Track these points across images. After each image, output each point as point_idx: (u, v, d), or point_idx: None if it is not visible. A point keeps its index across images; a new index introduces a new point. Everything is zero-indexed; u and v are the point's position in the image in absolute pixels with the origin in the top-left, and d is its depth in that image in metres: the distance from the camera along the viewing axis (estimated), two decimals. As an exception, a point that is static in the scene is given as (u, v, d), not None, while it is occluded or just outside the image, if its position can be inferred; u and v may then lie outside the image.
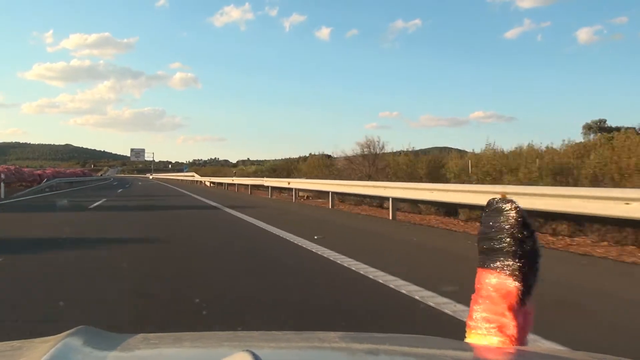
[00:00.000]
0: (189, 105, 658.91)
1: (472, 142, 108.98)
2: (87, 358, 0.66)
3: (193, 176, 42.23)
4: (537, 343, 2.11)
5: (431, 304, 2.91)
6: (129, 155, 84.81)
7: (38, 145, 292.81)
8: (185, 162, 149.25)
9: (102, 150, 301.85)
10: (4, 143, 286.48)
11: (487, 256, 0.80)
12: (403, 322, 2.70)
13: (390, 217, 8.57)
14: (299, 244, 5.47)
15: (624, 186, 6.24)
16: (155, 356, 0.77)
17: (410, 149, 13.91)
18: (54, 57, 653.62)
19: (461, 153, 15.11)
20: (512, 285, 0.77)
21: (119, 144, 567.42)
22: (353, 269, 4.01)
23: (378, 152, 14.54)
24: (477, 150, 12.06)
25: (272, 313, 2.81)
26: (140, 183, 41.53)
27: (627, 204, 4.21)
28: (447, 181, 11.23)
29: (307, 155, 29.53)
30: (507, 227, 0.78)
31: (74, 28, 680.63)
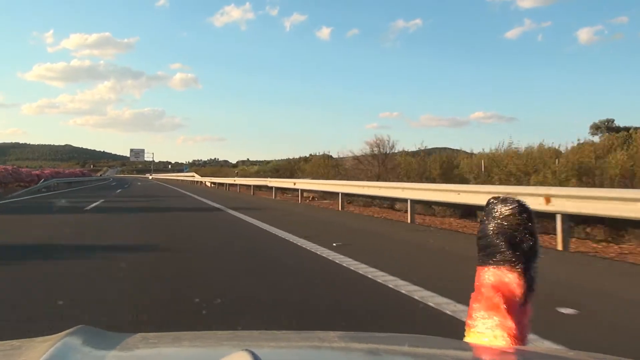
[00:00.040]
0: (189, 105, 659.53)
1: (472, 143, 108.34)
2: (86, 357, 0.65)
3: (193, 176, 41.59)
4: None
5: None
6: (128, 155, 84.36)
7: (38, 145, 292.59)
8: (185, 162, 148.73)
9: (102, 150, 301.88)
10: (3, 143, 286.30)
11: (487, 255, 0.79)
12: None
13: (409, 221, 7.93)
14: (319, 252, 4.82)
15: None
16: (154, 356, 0.76)
17: (423, 148, 13.21)
18: (54, 57, 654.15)
19: (464, 153, 14.59)
20: (512, 284, 0.76)
21: (118, 145, 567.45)
22: (390, 286, 3.37)
23: (388, 152, 13.90)
24: (478, 150, 11.49)
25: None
26: (139, 183, 40.88)
27: None
28: (462, 182, 10.67)
29: (308, 155, 29.06)
30: (507, 225, 0.77)
31: (74, 28, 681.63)
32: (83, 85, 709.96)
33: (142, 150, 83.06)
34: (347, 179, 14.02)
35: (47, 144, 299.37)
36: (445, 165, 12.41)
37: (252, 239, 6.06)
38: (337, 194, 14.26)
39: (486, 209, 0.82)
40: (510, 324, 0.74)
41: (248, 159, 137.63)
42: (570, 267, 4.49)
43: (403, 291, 3.21)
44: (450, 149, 16.89)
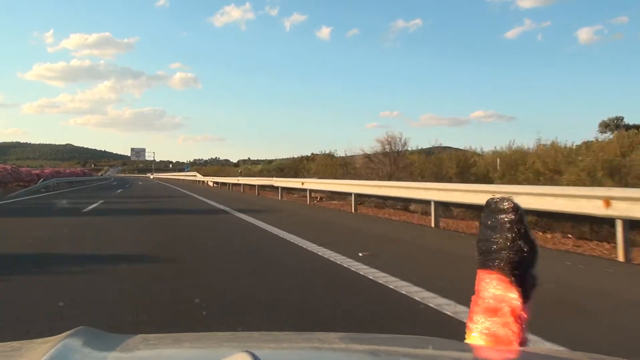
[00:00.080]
0: (189, 105, 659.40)
1: (472, 142, 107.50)
2: (86, 359, 0.65)
3: (195, 176, 40.95)
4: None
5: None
6: (129, 155, 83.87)
7: (38, 145, 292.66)
8: (185, 161, 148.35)
9: (103, 150, 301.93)
10: (4, 143, 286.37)
11: (487, 257, 0.79)
12: None
13: (433, 225, 7.31)
14: (345, 265, 4.20)
15: None
16: (154, 357, 0.76)
17: (438, 146, 12.58)
18: (54, 57, 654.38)
19: (472, 152, 13.95)
20: (511, 286, 0.75)
21: (119, 144, 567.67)
22: (448, 313, 2.75)
23: (400, 150, 13.26)
24: (486, 149, 10.87)
25: None
26: (140, 183, 40.31)
27: None
28: (478, 181, 10.09)
29: (310, 154, 28.44)
30: (506, 227, 0.77)
31: (74, 28, 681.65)
32: (83, 85, 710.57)
33: (143, 150, 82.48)
34: (357, 179, 13.41)
35: (47, 143, 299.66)
36: (461, 164, 11.79)
37: (268, 249, 5.44)
38: (347, 194, 13.75)
39: (485, 210, 0.81)
40: (510, 325, 0.74)
41: (249, 158, 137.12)
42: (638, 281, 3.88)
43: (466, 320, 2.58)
44: (451, 148, 16.15)
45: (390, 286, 3.41)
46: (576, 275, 4.01)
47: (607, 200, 4.29)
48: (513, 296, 0.75)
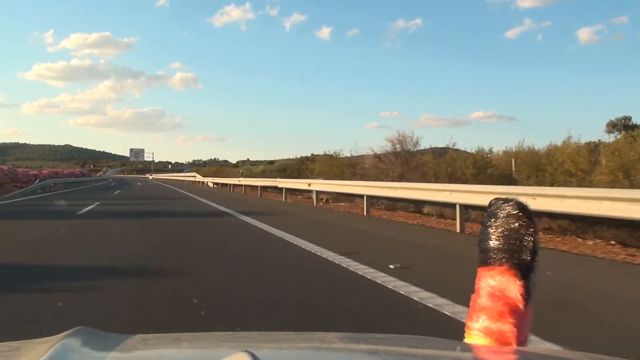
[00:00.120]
0: (189, 105, 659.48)
1: (472, 142, 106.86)
2: (85, 359, 0.65)
3: (194, 176, 40.31)
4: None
5: None
6: (128, 155, 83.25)
7: (38, 145, 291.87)
8: (185, 162, 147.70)
9: (102, 150, 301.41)
10: (3, 143, 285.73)
11: (488, 255, 0.78)
12: None
13: (458, 230, 6.68)
14: (380, 281, 3.57)
15: None
16: (153, 357, 0.76)
17: (452, 145, 11.97)
18: (54, 57, 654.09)
19: (480, 153, 13.36)
20: (512, 285, 0.75)
21: (118, 144, 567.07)
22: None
23: (412, 149, 12.64)
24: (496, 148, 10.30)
25: None
26: (139, 184, 39.64)
27: None
28: (494, 182, 9.53)
29: (310, 155, 27.90)
30: (507, 226, 0.77)
31: (74, 28, 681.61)
32: (83, 85, 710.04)
33: (142, 150, 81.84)
34: (365, 179, 12.79)
35: (47, 144, 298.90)
36: (478, 164, 11.18)
37: (285, 259, 4.81)
38: (356, 195, 13.13)
39: (487, 210, 0.81)
40: (510, 324, 0.74)
41: (248, 158, 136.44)
42: None
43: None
44: (451, 148, 15.44)
45: (444, 311, 2.78)
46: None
47: None
48: (514, 295, 0.75)
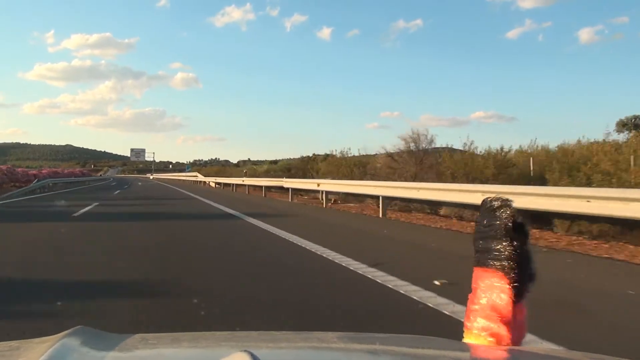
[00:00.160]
0: (189, 105, 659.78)
1: (474, 143, 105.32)
2: (84, 358, 0.64)
3: (196, 176, 39.71)
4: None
5: None
6: (129, 155, 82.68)
7: (38, 145, 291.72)
8: (186, 162, 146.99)
9: (103, 150, 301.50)
10: (4, 143, 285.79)
11: (483, 255, 0.79)
12: None
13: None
14: (428, 303, 2.93)
15: None
16: (153, 356, 0.75)
17: (469, 144, 11.33)
18: (55, 57, 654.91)
19: (501, 152, 12.75)
20: (507, 285, 0.76)
21: (119, 145, 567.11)
22: None
23: (427, 148, 11.99)
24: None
25: None
26: (140, 183, 39.03)
27: None
28: (513, 183, 8.94)
29: (311, 155, 27.29)
30: (501, 225, 0.77)
31: (75, 28, 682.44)
32: (84, 85, 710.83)
33: (143, 150, 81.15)
34: (377, 179, 12.15)
35: (47, 144, 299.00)
36: (499, 163, 10.53)
37: (306, 272, 4.17)
38: (365, 196, 12.50)
39: (481, 209, 0.82)
40: (505, 324, 0.74)
41: (249, 158, 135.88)
42: None
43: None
44: (448, 148, 14.77)
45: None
46: None
47: None
48: (509, 295, 0.75)
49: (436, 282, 3.41)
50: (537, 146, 12.57)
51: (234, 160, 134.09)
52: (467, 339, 0.78)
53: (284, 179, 15.71)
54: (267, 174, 24.19)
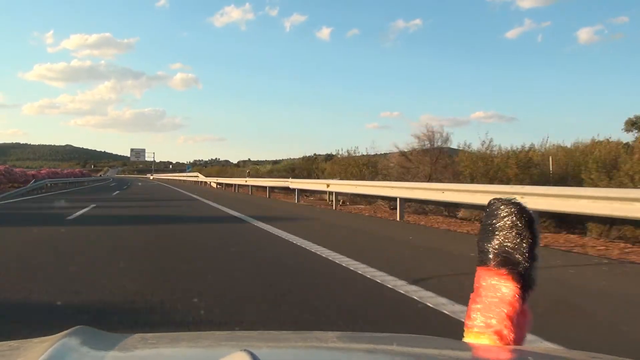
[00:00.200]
0: (189, 105, 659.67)
1: (475, 143, 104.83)
2: (84, 358, 0.64)
3: (197, 176, 39.07)
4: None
5: None
6: (129, 155, 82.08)
7: (38, 146, 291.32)
8: (186, 162, 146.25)
9: (103, 150, 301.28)
10: (4, 144, 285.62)
11: (486, 255, 0.79)
12: None
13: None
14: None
15: None
16: (153, 356, 0.74)
17: (488, 142, 10.67)
18: (54, 58, 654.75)
19: (522, 151, 12.14)
20: (511, 284, 0.76)
21: (119, 145, 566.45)
22: None
23: (443, 146, 11.34)
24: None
25: None
26: (140, 184, 38.39)
27: None
28: (535, 183, 8.34)
29: (312, 155, 26.69)
30: (506, 226, 0.77)
31: (74, 28, 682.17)
32: (84, 86, 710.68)
33: (143, 150, 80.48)
34: (389, 180, 11.51)
35: (47, 144, 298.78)
36: (521, 163, 9.88)
37: (336, 292, 3.52)
38: (376, 197, 11.87)
39: (487, 210, 0.82)
40: (508, 324, 0.74)
41: (249, 158, 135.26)
42: None
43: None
44: (451, 148, 14.16)
45: None
46: None
47: None
48: (512, 295, 0.75)
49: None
50: (550, 145, 11.97)
51: (234, 161, 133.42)
52: (468, 338, 0.77)
53: (290, 180, 15.05)
54: (270, 174, 23.54)
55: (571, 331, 2.50)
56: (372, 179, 12.46)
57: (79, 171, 57.20)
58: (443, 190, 6.97)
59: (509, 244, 0.76)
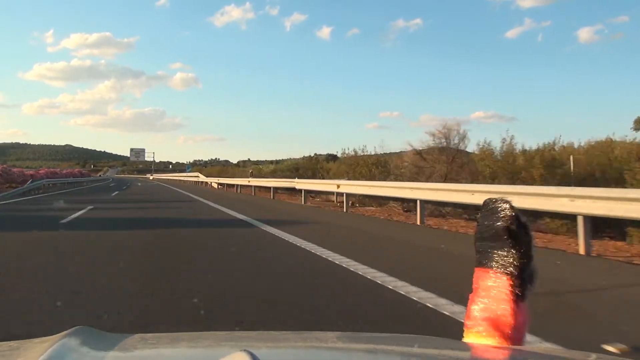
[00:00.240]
0: (189, 105, 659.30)
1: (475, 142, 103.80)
2: (84, 358, 0.64)
3: (197, 177, 38.45)
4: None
5: None
6: (129, 155, 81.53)
7: (38, 145, 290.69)
8: (186, 162, 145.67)
9: (102, 150, 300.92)
10: (4, 144, 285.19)
11: (484, 256, 0.78)
12: None
13: (583, 251, 4.75)
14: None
15: None
16: (153, 356, 0.74)
17: (509, 140, 10.07)
18: (54, 57, 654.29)
19: (547, 149, 11.53)
20: (508, 284, 0.74)
21: (119, 145, 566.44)
22: None
23: (460, 145, 10.72)
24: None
25: None
26: (139, 184, 37.78)
27: None
28: (561, 183, 7.93)
29: (313, 154, 26.16)
30: (502, 226, 0.76)
31: (74, 28, 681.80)
32: (83, 85, 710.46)
33: (143, 150, 79.86)
34: (401, 180, 10.89)
35: (47, 144, 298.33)
36: (547, 163, 9.27)
37: (387, 317, 2.89)
38: (389, 198, 11.26)
39: (482, 210, 0.80)
40: (507, 324, 0.72)
41: (249, 158, 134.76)
42: None
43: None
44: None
45: None
46: None
47: None
48: (509, 295, 0.73)
49: (609, 348, 2.13)
50: (561, 144, 11.37)
51: (234, 160, 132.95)
52: (467, 338, 0.76)
53: (296, 180, 14.41)
54: (273, 174, 22.92)
55: None
56: (384, 179, 11.85)
57: (78, 171, 56.58)
58: (472, 191, 6.33)
59: (505, 245, 0.76)
